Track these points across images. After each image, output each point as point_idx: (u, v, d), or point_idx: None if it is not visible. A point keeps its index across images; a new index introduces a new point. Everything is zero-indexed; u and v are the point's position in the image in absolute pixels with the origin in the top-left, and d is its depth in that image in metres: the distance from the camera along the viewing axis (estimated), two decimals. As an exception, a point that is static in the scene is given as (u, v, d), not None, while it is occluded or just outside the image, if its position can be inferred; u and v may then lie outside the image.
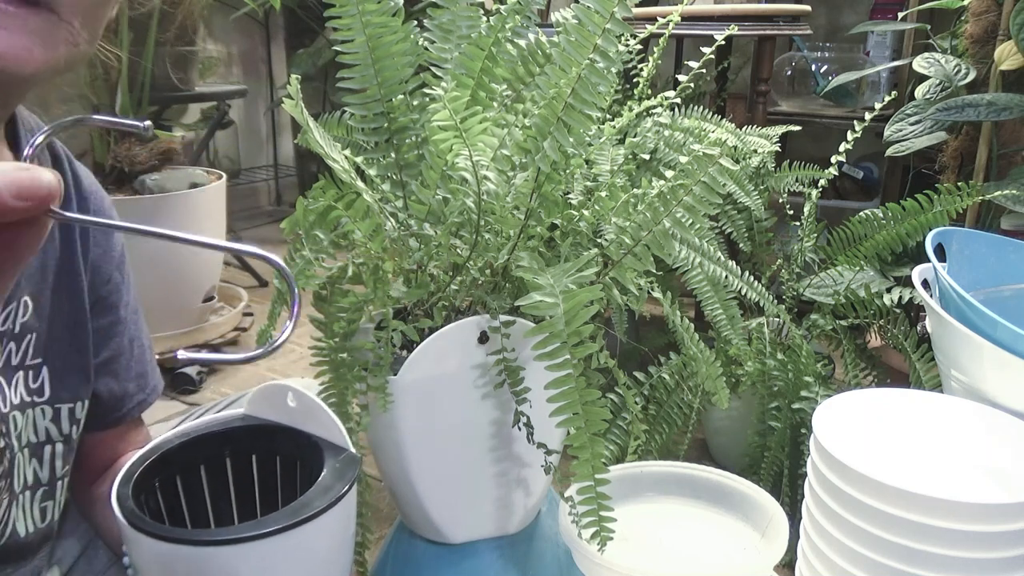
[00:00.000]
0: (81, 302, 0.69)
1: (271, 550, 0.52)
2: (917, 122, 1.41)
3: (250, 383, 1.04)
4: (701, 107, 1.25)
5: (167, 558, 0.52)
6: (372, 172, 0.73)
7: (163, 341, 1.67)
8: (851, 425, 0.76)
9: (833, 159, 1.20)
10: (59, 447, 0.67)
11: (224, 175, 1.79)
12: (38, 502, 0.66)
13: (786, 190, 1.32)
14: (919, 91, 1.46)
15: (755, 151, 1.23)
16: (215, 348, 1.76)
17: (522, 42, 0.75)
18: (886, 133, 1.42)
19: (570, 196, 0.79)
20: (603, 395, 0.60)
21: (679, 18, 1.19)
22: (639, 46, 1.23)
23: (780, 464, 1.12)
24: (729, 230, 1.30)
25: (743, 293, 1.06)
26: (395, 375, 0.67)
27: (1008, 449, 0.73)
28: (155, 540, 0.52)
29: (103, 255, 0.72)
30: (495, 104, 0.75)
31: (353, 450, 0.61)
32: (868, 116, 1.19)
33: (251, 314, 1.90)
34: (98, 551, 0.84)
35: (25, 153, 0.34)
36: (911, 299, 1.17)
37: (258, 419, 0.65)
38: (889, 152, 1.42)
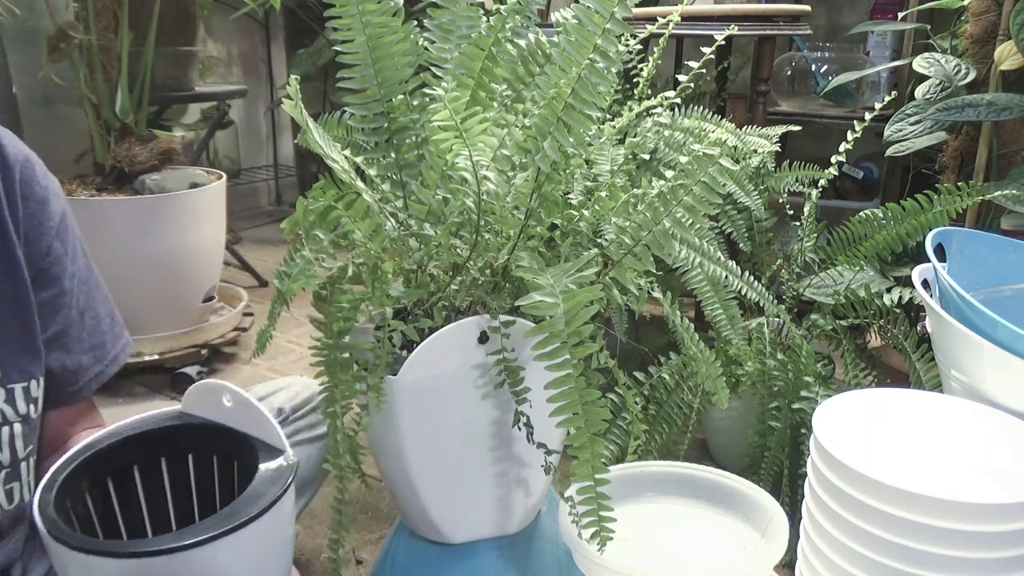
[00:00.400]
0: (19, 277, 0.66)
1: (199, 559, 0.50)
2: (917, 122, 1.41)
3: (250, 383, 1.04)
4: (701, 107, 1.25)
5: (91, 571, 0.50)
6: (372, 172, 0.73)
7: (163, 341, 1.67)
8: (851, 425, 0.76)
9: (833, 159, 1.20)
10: (17, 427, 0.65)
11: (224, 175, 1.79)
12: (2, 484, 0.65)
13: (786, 190, 1.32)
14: (919, 91, 1.46)
15: (755, 151, 1.23)
16: (215, 348, 1.76)
17: (522, 42, 0.75)
18: (886, 133, 1.42)
19: (570, 196, 0.79)
20: (603, 395, 0.60)
21: (679, 18, 1.19)
22: (639, 46, 1.23)
23: (780, 464, 1.12)
24: (729, 230, 1.30)
25: (743, 293, 1.06)
26: (395, 375, 0.67)
27: (1008, 449, 0.73)
28: (74, 552, 0.50)
29: (37, 227, 0.69)
30: (495, 104, 0.75)
31: (290, 452, 0.60)
32: (868, 116, 1.19)
33: (251, 314, 1.90)
34: None
35: None
36: (911, 299, 1.17)
37: (195, 417, 0.63)
38: (889, 152, 1.42)
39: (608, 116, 1.10)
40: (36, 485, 0.70)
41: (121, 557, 0.49)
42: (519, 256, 0.67)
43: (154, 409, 0.68)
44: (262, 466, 0.57)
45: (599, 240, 0.73)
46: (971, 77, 1.34)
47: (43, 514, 0.52)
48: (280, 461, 0.58)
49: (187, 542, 0.49)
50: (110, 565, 0.49)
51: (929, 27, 1.65)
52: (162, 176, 1.65)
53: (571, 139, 0.63)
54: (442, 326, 0.67)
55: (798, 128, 1.35)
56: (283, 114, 3.23)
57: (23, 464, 0.66)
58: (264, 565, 0.56)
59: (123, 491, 0.62)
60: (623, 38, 0.77)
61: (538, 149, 0.63)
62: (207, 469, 0.64)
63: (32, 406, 0.66)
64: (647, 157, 1.18)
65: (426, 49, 0.75)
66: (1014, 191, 1.17)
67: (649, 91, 1.26)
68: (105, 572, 0.50)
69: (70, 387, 0.72)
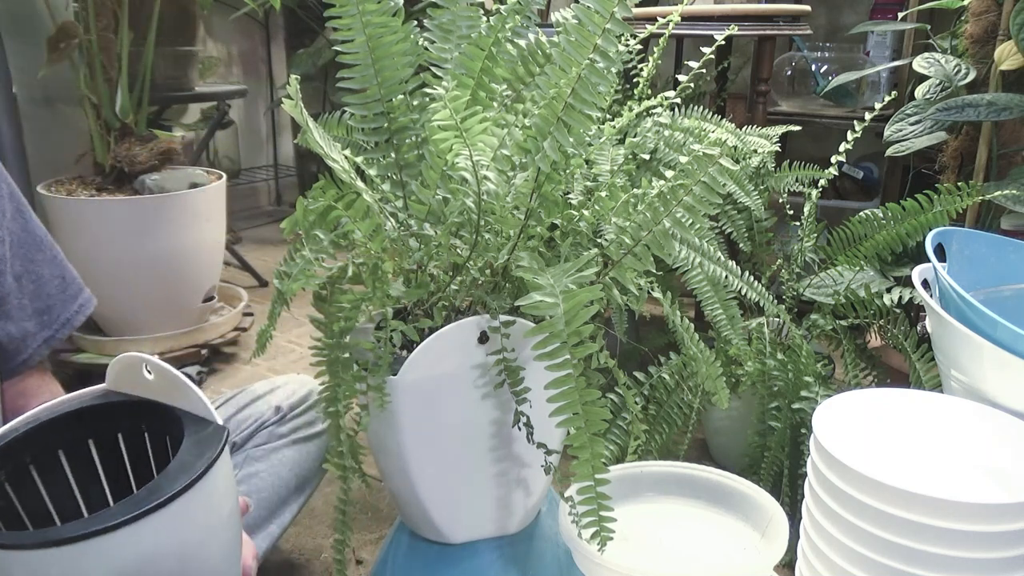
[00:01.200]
0: None
1: (117, 545, 0.46)
2: (917, 122, 1.41)
3: (250, 383, 1.04)
4: (701, 107, 1.25)
5: (8, 566, 0.46)
6: (372, 172, 0.73)
7: (163, 341, 1.67)
8: (851, 425, 0.76)
9: (833, 159, 1.20)
10: None
11: (224, 175, 1.79)
12: None
13: (786, 190, 1.32)
14: (919, 91, 1.46)
15: (755, 151, 1.23)
16: (215, 348, 1.76)
17: (522, 42, 0.75)
18: (886, 133, 1.42)
19: (570, 196, 0.79)
20: (603, 395, 0.60)
21: (679, 18, 1.19)
22: (639, 46, 1.23)
23: (780, 464, 1.12)
24: (729, 230, 1.30)
25: (743, 293, 1.06)
26: (395, 375, 0.67)
27: (1008, 449, 0.73)
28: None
29: None
30: (495, 104, 0.75)
31: (219, 421, 0.56)
32: (868, 116, 1.19)
33: (251, 314, 1.90)
34: None
35: None
36: (911, 299, 1.17)
37: (119, 395, 0.59)
38: (889, 152, 1.42)
39: (608, 116, 1.10)
40: None
41: (23, 549, 0.44)
42: (519, 256, 0.67)
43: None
44: (187, 439, 0.54)
45: (599, 240, 0.73)
46: (971, 77, 1.34)
47: None
48: (208, 431, 0.54)
49: (98, 527, 0.45)
50: (14, 558, 0.44)
51: (929, 27, 1.65)
52: (162, 176, 1.65)
53: (571, 139, 0.63)
54: (442, 326, 0.67)
55: (798, 128, 1.35)
56: (283, 114, 3.23)
57: None
58: (200, 545, 0.51)
59: (51, 477, 0.57)
60: (623, 38, 0.77)
61: (538, 149, 0.63)
62: (140, 448, 0.60)
63: None
64: (647, 157, 1.18)
65: (426, 49, 0.75)
66: (1014, 191, 1.17)
67: (649, 91, 1.26)
68: (14, 567, 0.45)
69: (19, 356, 0.68)
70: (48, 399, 0.71)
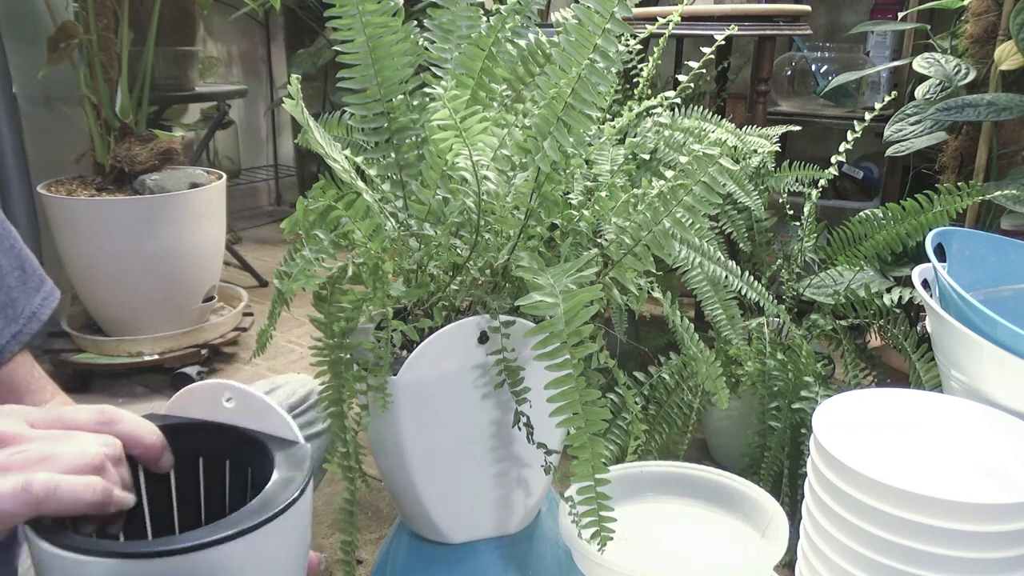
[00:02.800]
0: None
1: (216, 560, 0.45)
2: (917, 122, 1.41)
3: (250, 382, 1.04)
4: (701, 107, 1.25)
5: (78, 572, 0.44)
6: (372, 172, 0.73)
7: (163, 341, 1.67)
8: (851, 425, 0.76)
9: (833, 159, 1.20)
10: None
11: (224, 175, 1.79)
12: None
13: (786, 190, 1.32)
14: (919, 91, 1.46)
15: (755, 151, 1.23)
16: (215, 348, 1.76)
17: (522, 42, 0.75)
18: (886, 133, 1.42)
19: (570, 196, 0.79)
20: (603, 395, 0.60)
21: (679, 18, 1.19)
22: (639, 46, 1.23)
23: (780, 464, 1.12)
24: (729, 230, 1.30)
25: (743, 293, 1.06)
26: (395, 375, 0.67)
27: (1008, 449, 0.73)
28: (73, 555, 0.43)
29: None
30: (495, 104, 0.75)
31: (303, 443, 0.55)
32: (868, 116, 1.19)
33: (251, 314, 1.90)
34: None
35: None
36: (911, 299, 1.17)
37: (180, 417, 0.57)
38: (889, 152, 1.42)
39: (608, 116, 1.10)
40: None
41: (133, 558, 0.43)
42: (519, 256, 0.67)
43: (154, 409, 0.67)
44: (278, 459, 0.53)
45: (599, 240, 0.73)
46: (971, 77, 1.34)
47: (36, 523, 0.45)
48: (295, 453, 0.54)
49: (206, 540, 0.44)
50: (119, 569, 0.43)
51: (929, 27, 1.65)
52: (162, 176, 1.65)
53: (571, 139, 0.63)
54: (442, 326, 0.67)
55: (798, 128, 1.35)
56: (283, 114, 3.23)
57: None
58: (286, 564, 0.52)
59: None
60: (623, 38, 0.77)
61: (538, 149, 0.63)
62: (217, 471, 0.59)
63: None
64: (647, 157, 1.18)
65: (426, 49, 0.75)
66: (1014, 191, 1.17)
67: (649, 91, 1.26)
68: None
69: None
70: (41, 395, 0.68)
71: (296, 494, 0.49)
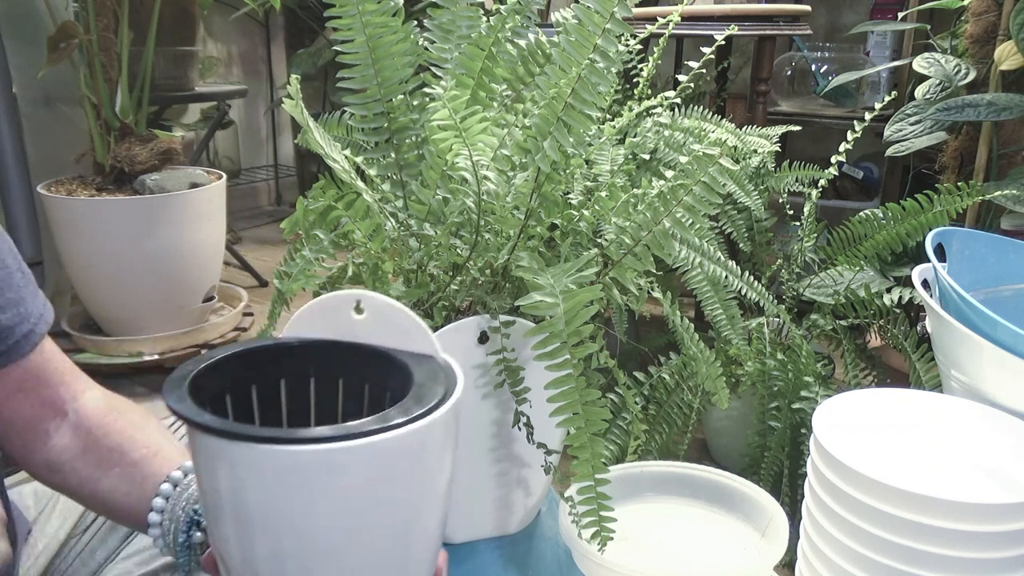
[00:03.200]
0: None
1: (398, 445, 0.42)
2: (917, 122, 1.41)
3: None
4: (701, 107, 1.25)
5: (264, 467, 0.41)
6: (372, 172, 0.73)
7: (163, 341, 1.67)
8: (851, 425, 0.76)
9: (833, 159, 1.20)
10: None
11: (224, 175, 1.79)
12: None
13: (786, 190, 1.32)
14: (919, 91, 1.46)
15: (755, 151, 1.23)
16: (215, 348, 1.76)
17: (522, 42, 0.75)
18: (886, 133, 1.42)
19: (570, 196, 0.79)
20: (603, 395, 0.60)
21: (679, 18, 1.19)
22: (639, 46, 1.23)
23: (780, 464, 1.12)
24: (729, 230, 1.30)
25: (743, 293, 1.06)
26: (395, 375, 0.67)
27: (1008, 449, 0.73)
28: (245, 443, 0.40)
29: None
30: (495, 104, 0.75)
31: (443, 357, 0.52)
32: (868, 116, 1.19)
33: (251, 314, 1.90)
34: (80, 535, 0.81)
35: None
36: (911, 299, 1.17)
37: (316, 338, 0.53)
38: (889, 152, 1.42)
39: (608, 116, 1.10)
40: None
41: (324, 442, 0.40)
42: (519, 256, 0.67)
43: (155, 411, 0.67)
44: (416, 372, 0.50)
45: (599, 240, 0.73)
46: (971, 77, 1.34)
47: (190, 414, 0.42)
48: (432, 366, 0.50)
49: (385, 424, 0.42)
50: (295, 457, 0.40)
51: (929, 27, 1.65)
52: (162, 176, 1.65)
53: (571, 139, 0.63)
54: (442, 326, 0.67)
55: (798, 128, 1.35)
56: (283, 114, 3.23)
57: None
58: (435, 474, 0.47)
59: (239, 412, 0.52)
60: (623, 38, 0.77)
61: (538, 149, 0.63)
62: (329, 393, 0.54)
63: None
64: (647, 157, 1.18)
65: (426, 49, 0.75)
66: (1014, 191, 1.17)
67: (649, 91, 1.26)
68: (281, 465, 0.41)
69: None
70: (74, 386, 0.68)
71: (447, 393, 0.47)
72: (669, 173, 0.66)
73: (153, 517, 0.60)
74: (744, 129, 1.26)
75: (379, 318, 0.52)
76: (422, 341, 0.53)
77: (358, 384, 0.53)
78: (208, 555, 0.56)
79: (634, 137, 1.20)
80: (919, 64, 1.39)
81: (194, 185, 1.69)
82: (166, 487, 0.61)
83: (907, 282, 1.14)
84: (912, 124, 1.41)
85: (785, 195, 1.32)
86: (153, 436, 0.66)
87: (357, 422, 0.43)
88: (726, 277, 1.03)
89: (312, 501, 0.42)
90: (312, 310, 0.53)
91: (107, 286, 1.63)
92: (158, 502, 0.61)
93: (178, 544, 0.60)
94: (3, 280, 0.63)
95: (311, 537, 0.43)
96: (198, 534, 0.60)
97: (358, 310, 0.53)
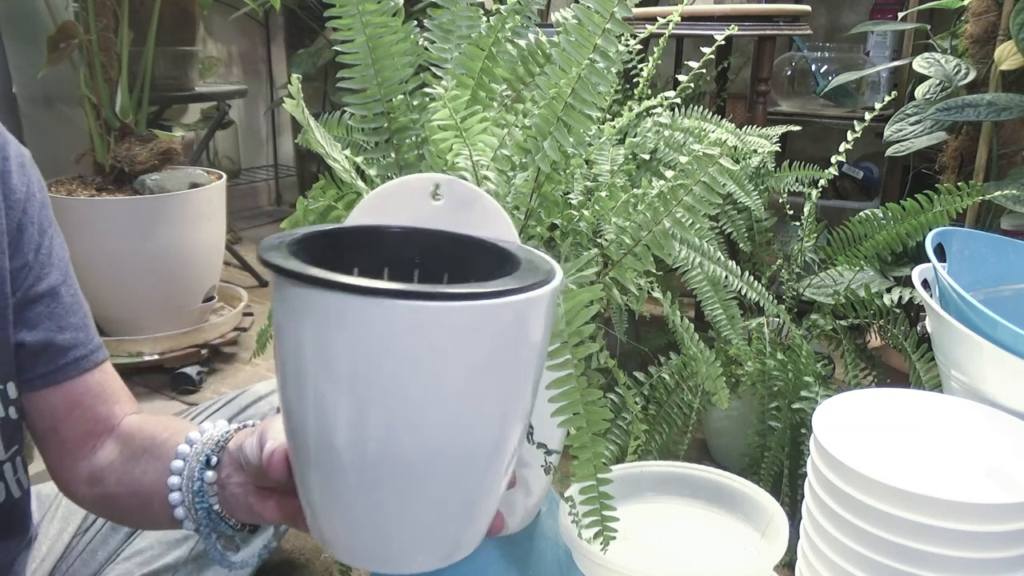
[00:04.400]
0: None
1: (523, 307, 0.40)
2: (917, 122, 1.41)
3: (250, 383, 1.04)
4: (701, 107, 1.25)
5: (397, 326, 0.37)
6: (372, 172, 0.73)
7: (163, 341, 1.67)
8: (851, 425, 0.76)
9: (833, 159, 1.20)
10: None
11: (224, 175, 1.79)
12: None
13: (786, 190, 1.32)
14: (919, 91, 1.46)
15: (755, 151, 1.23)
16: (215, 348, 1.76)
17: (522, 42, 0.75)
18: (886, 133, 1.42)
19: (570, 196, 0.79)
20: (603, 395, 0.60)
21: (679, 18, 1.19)
22: (639, 46, 1.23)
23: (780, 464, 1.12)
24: (729, 230, 1.30)
25: (743, 293, 1.06)
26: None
27: (1008, 449, 0.73)
28: (376, 299, 0.37)
29: None
30: (495, 104, 0.75)
31: (519, 242, 0.49)
32: (868, 116, 1.19)
33: (251, 314, 1.90)
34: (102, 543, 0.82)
35: None
36: (911, 299, 1.17)
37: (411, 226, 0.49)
38: (889, 152, 1.42)
39: (608, 116, 1.10)
40: (27, 482, 0.68)
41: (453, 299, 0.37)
42: (519, 256, 0.67)
43: (155, 410, 0.67)
44: (518, 252, 0.47)
45: (599, 240, 0.73)
46: (971, 77, 1.34)
47: (278, 260, 0.39)
48: (525, 250, 0.47)
49: (522, 285, 0.39)
50: (436, 312, 0.37)
51: (929, 27, 1.65)
52: (162, 176, 1.65)
53: (571, 139, 0.63)
54: (442, 326, 0.67)
55: (798, 128, 1.35)
56: (283, 114, 3.23)
57: (6, 465, 0.64)
58: (531, 360, 0.44)
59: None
60: (623, 38, 0.77)
61: (538, 149, 0.64)
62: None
63: (11, 408, 0.64)
64: (647, 157, 1.18)
65: (426, 49, 0.75)
66: (1014, 191, 1.17)
67: (649, 91, 1.26)
68: (414, 322, 0.37)
69: (40, 368, 0.66)
70: (123, 406, 0.70)
71: (553, 271, 0.44)
72: (669, 173, 0.66)
73: (173, 480, 0.60)
74: (744, 129, 1.26)
75: (457, 204, 0.49)
76: (504, 230, 0.50)
77: (461, 277, 0.49)
78: (275, 453, 0.51)
79: (634, 137, 1.19)
80: (919, 64, 1.39)
81: (194, 185, 1.69)
82: (183, 448, 0.61)
83: (907, 282, 1.14)
84: (912, 124, 1.41)
85: (785, 195, 1.32)
86: (180, 423, 0.68)
87: (493, 283, 0.39)
88: (726, 277, 1.03)
89: (435, 363, 0.39)
90: (382, 196, 0.50)
91: (107, 286, 1.63)
92: (176, 464, 0.61)
93: (193, 492, 0.59)
94: (69, 306, 0.69)
95: (418, 409, 0.39)
96: (209, 473, 0.59)
97: (435, 196, 0.50)
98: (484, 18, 0.76)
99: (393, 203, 0.51)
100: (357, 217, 0.52)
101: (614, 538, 0.63)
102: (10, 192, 0.64)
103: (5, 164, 0.64)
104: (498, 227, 0.50)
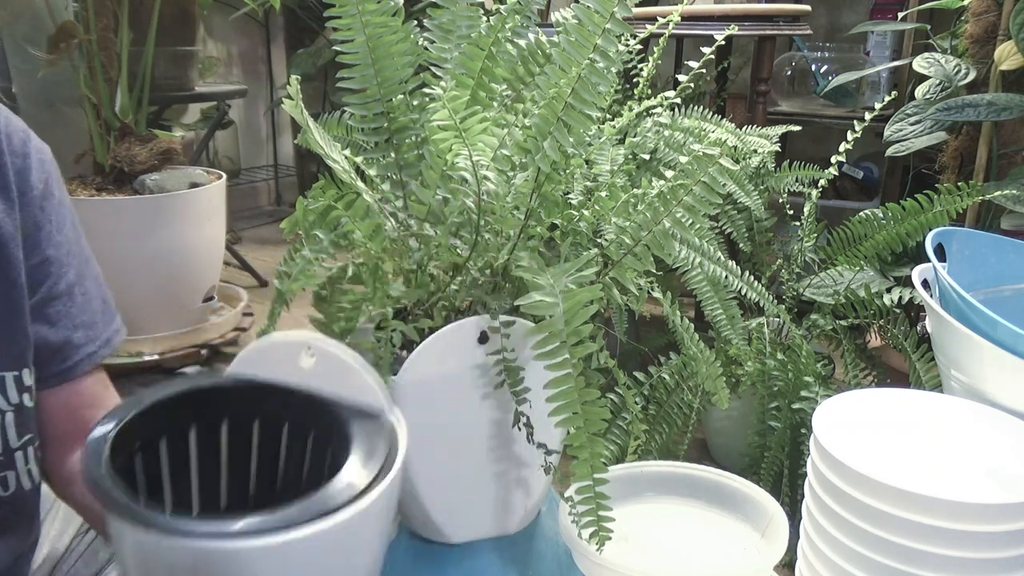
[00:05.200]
0: (6, 255, 0.62)
1: (304, 547, 0.40)
2: (917, 122, 1.41)
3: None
4: (701, 107, 1.25)
5: (160, 554, 0.40)
6: (372, 172, 0.73)
7: (163, 341, 1.67)
8: (851, 425, 0.76)
9: (833, 159, 1.20)
10: (9, 416, 0.63)
11: (224, 175, 1.79)
12: None
13: (786, 190, 1.32)
14: (919, 91, 1.46)
15: (755, 151, 1.23)
16: (215, 348, 1.76)
17: (522, 42, 0.75)
18: (886, 133, 1.42)
19: (570, 196, 0.79)
20: (603, 395, 0.60)
21: (679, 18, 1.19)
22: (639, 46, 1.23)
23: (780, 464, 1.12)
24: (729, 230, 1.30)
25: (743, 293, 1.06)
26: (395, 375, 0.67)
27: (1008, 449, 0.73)
28: (144, 531, 0.39)
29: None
30: (495, 104, 0.75)
31: (389, 414, 0.49)
32: (868, 116, 1.19)
33: (251, 314, 1.90)
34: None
35: None
36: (911, 299, 1.17)
37: (264, 379, 0.51)
38: (889, 152, 1.42)
39: (608, 116, 1.10)
40: (39, 475, 0.68)
41: (226, 539, 0.38)
42: (519, 256, 0.67)
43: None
44: (355, 433, 0.46)
45: (599, 240, 0.73)
46: (971, 77, 1.34)
47: (98, 485, 0.41)
48: (375, 426, 0.47)
49: (317, 512, 0.39)
50: (192, 549, 0.39)
51: (929, 27, 1.65)
52: (162, 176, 1.65)
53: (571, 139, 0.63)
54: (442, 326, 0.67)
55: (798, 128, 1.35)
56: (283, 114, 3.23)
57: (17, 454, 0.64)
58: (364, 557, 0.45)
59: (174, 458, 0.49)
60: (623, 38, 0.77)
61: (538, 149, 0.63)
62: (272, 437, 0.51)
63: (26, 395, 0.64)
64: (647, 157, 1.18)
65: (426, 49, 0.75)
66: (1014, 191, 1.17)
67: (649, 91, 1.26)
68: (180, 555, 0.39)
69: (56, 366, 0.67)
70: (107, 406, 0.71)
71: (356, 493, 0.43)
72: (669, 173, 0.66)
73: None
74: (744, 129, 1.26)
75: (329, 367, 0.50)
76: (368, 391, 0.50)
77: (302, 434, 0.51)
78: None
79: (634, 137, 1.20)
80: (919, 64, 1.39)
81: (194, 185, 1.69)
82: None
83: (907, 282, 1.14)
84: (912, 124, 1.41)
85: (785, 195, 1.32)
86: None
87: (259, 518, 0.40)
88: (726, 277, 1.03)
89: None
90: (258, 350, 0.52)
91: (107, 286, 1.63)
92: None
93: None
94: (81, 305, 0.70)
95: None
96: None
97: (309, 354, 0.51)
98: (484, 18, 0.76)
99: (266, 360, 0.53)
100: (236, 367, 0.54)
101: (610, 538, 0.63)
102: (28, 188, 0.65)
103: (26, 161, 0.65)
104: (360, 388, 0.50)
